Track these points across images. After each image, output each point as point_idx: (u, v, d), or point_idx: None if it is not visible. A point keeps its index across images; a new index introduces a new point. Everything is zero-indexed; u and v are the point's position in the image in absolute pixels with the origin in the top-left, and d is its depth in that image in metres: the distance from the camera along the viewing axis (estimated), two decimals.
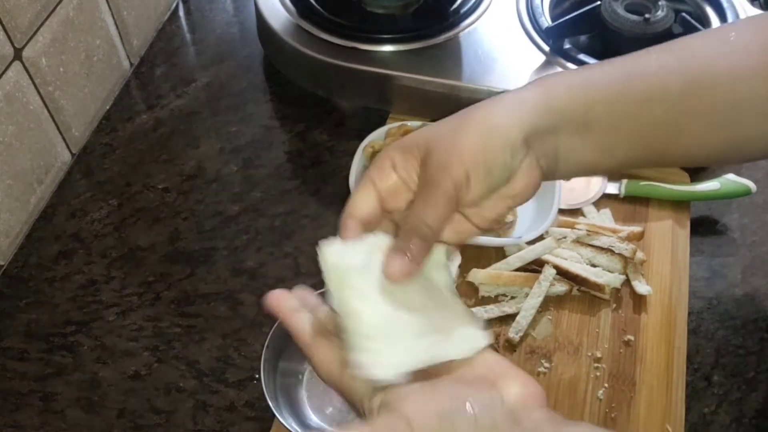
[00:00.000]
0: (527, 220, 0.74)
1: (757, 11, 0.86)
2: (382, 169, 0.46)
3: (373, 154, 0.77)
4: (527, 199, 0.47)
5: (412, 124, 0.79)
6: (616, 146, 0.48)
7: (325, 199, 0.81)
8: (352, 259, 0.42)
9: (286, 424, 0.61)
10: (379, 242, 0.44)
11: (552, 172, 0.48)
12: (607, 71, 0.49)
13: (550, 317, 0.70)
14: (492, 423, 0.39)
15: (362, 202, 0.46)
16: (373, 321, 0.40)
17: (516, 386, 0.41)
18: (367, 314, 0.40)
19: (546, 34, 0.84)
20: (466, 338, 0.42)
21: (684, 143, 0.49)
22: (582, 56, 0.81)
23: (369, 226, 0.46)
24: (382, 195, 0.46)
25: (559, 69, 0.81)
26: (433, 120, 0.75)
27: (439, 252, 0.45)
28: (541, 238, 0.73)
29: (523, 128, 0.45)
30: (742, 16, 0.85)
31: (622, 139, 0.48)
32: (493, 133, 0.45)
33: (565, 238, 0.73)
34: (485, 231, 0.48)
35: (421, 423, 0.38)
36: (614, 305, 0.71)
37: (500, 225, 0.73)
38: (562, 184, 0.74)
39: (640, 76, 0.48)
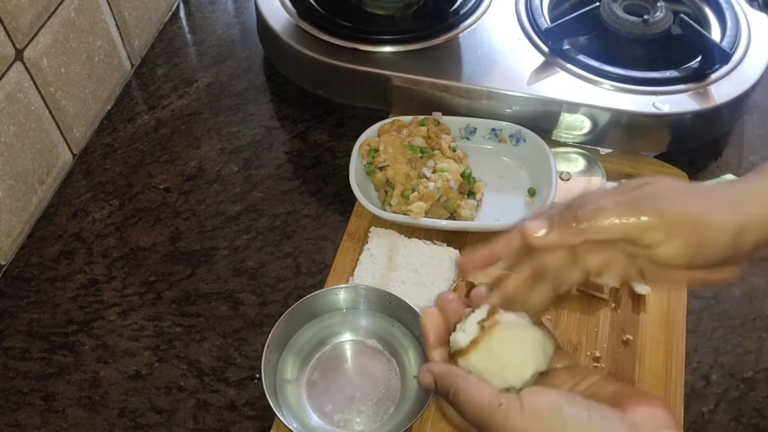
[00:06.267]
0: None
1: (755, 12, 0.86)
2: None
3: (370, 152, 0.77)
4: None
5: (403, 119, 0.79)
6: None
7: (326, 199, 0.81)
8: None
9: (286, 423, 0.61)
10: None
11: None
12: None
13: (549, 316, 0.70)
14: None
15: None
16: None
17: (642, 407, 0.42)
18: None
19: (545, 35, 0.84)
20: None
21: None
22: (581, 57, 0.82)
23: None
24: None
25: (559, 69, 0.81)
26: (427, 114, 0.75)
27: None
28: None
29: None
30: (741, 17, 0.85)
31: None
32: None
33: None
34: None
35: (532, 406, 0.41)
36: (613, 305, 0.71)
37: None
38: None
39: None
